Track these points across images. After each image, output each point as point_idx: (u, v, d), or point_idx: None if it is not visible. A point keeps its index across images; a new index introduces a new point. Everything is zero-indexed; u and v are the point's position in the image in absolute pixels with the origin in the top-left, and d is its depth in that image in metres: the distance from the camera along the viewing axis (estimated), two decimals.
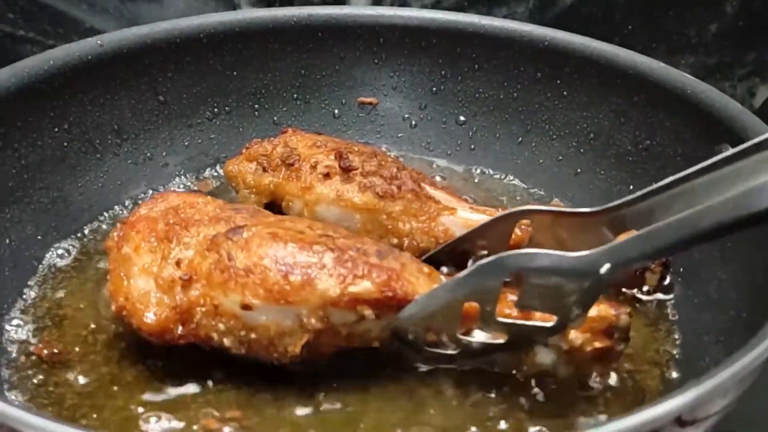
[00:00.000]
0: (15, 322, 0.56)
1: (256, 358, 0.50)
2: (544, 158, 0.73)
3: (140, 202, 0.67)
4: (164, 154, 0.71)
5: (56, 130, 0.64)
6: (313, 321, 0.48)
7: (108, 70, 0.67)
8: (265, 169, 0.62)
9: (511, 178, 0.73)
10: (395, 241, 0.60)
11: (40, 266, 0.60)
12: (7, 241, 0.59)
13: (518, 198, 0.71)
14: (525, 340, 0.50)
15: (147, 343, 0.51)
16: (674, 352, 0.55)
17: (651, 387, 0.52)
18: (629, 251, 0.46)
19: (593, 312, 0.48)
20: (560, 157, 0.72)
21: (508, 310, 0.49)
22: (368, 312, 0.49)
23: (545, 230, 0.55)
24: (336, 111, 0.76)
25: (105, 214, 0.66)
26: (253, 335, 0.49)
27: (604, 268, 0.46)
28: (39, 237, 0.61)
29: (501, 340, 0.49)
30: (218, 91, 0.73)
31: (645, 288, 0.59)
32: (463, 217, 0.61)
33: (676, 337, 0.56)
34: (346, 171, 0.60)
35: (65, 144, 0.65)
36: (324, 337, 0.49)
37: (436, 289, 0.49)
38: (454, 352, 0.51)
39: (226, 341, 0.50)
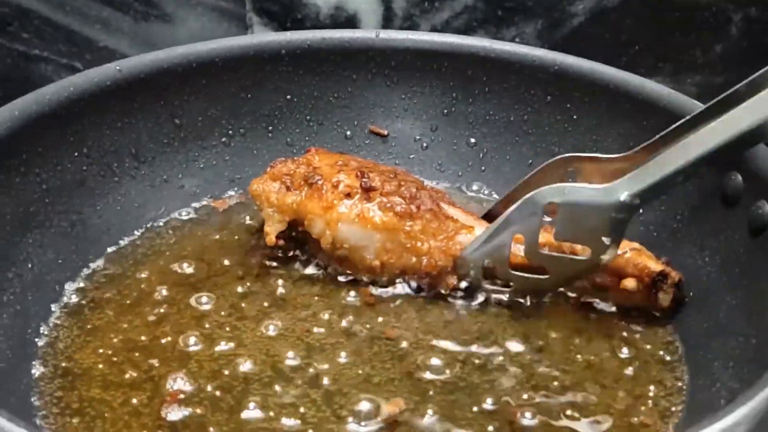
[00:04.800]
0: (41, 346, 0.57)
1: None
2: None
3: (159, 225, 0.69)
4: (180, 176, 0.72)
5: (76, 154, 0.65)
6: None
7: (125, 94, 0.68)
8: (288, 189, 0.63)
9: None
10: (414, 259, 0.61)
11: (63, 290, 0.61)
12: (30, 265, 0.60)
13: None
14: (567, 275, 0.60)
15: None
16: (684, 377, 0.56)
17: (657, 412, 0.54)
18: (643, 179, 0.57)
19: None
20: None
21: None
22: None
23: (584, 175, 0.62)
24: (348, 132, 0.77)
25: (124, 237, 0.67)
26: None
27: (623, 196, 0.57)
28: (60, 261, 0.62)
29: (545, 276, 0.59)
30: (233, 114, 0.74)
31: (658, 309, 0.60)
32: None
33: (685, 362, 0.57)
34: (367, 191, 0.62)
35: (84, 168, 0.66)
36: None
37: (489, 227, 0.60)
38: (508, 289, 0.61)
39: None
